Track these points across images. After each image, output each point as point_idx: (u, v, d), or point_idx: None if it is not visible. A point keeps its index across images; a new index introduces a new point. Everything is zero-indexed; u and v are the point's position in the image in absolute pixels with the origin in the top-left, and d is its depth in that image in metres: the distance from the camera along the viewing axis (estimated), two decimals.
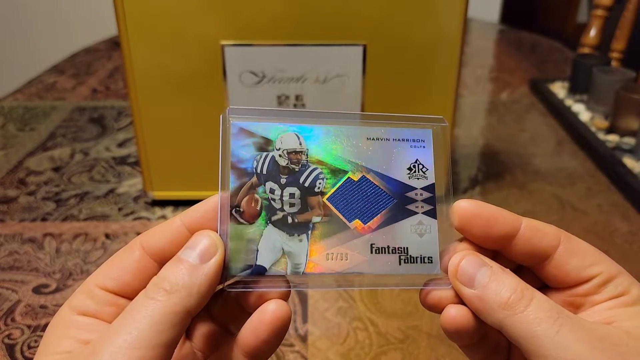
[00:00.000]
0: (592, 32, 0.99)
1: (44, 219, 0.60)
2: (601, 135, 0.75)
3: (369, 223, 0.26)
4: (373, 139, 0.27)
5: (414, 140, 0.27)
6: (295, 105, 0.56)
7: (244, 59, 0.54)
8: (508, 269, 0.24)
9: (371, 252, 0.25)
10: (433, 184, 0.26)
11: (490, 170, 0.71)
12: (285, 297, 0.25)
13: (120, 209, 0.62)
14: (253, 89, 0.55)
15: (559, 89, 0.91)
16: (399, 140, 0.27)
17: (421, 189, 0.26)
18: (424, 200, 0.26)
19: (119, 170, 0.70)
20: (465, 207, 0.25)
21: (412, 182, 0.26)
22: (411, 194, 0.26)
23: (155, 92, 0.55)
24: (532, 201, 0.64)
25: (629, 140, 0.73)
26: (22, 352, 0.43)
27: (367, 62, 0.54)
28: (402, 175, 0.26)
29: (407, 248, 0.26)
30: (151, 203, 0.63)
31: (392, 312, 0.48)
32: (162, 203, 0.62)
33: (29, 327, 0.46)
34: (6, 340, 0.45)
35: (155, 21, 0.52)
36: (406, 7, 0.53)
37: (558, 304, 0.24)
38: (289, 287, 0.25)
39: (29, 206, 0.63)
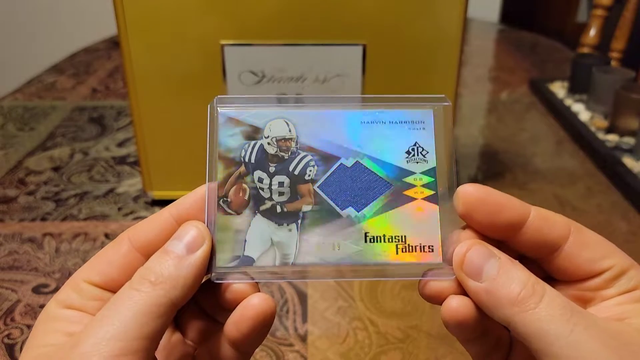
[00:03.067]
0: (592, 32, 0.99)
1: (43, 219, 0.60)
2: (601, 135, 0.75)
3: (363, 211, 0.24)
4: (368, 122, 0.25)
5: (412, 122, 0.25)
6: None
7: (244, 59, 0.54)
8: (517, 261, 0.23)
9: (365, 241, 0.24)
10: (434, 168, 0.25)
11: (490, 170, 0.71)
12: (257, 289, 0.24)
13: (119, 209, 0.62)
14: (253, 88, 0.55)
15: (559, 89, 0.91)
16: (396, 122, 0.25)
17: (421, 173, 0.25)
18: (424, 185, 0.25)
19: (118, 170, 0.70)
20: (470, 193, 0.23)
21: (411, 167, 0.25)
22: (410, 179, 0.25)
23: (154, 91, 0.55)
24: (532, 201, 0.64)
25: (629, 140, 0.73)
26: (21, 352, 0.43)
27: (366, 61, 0.54)
28: (399, 160, 0.25)
29: (404, 236, 0.24)
30: (151, 203, 0.63)
31: (391, 312, 0.48)
32: (162, 203, 0.62)
33: (28, 327, 0.46)
34: (6, 340, 0.45)
35: (155, 21, 0.52)
36: (406, 7, 0.53)
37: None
38: (278, 278, 0.24)
39: (29, 206, 0.62)
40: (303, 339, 0.45)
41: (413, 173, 0.25)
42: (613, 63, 0.94)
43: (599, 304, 0.23)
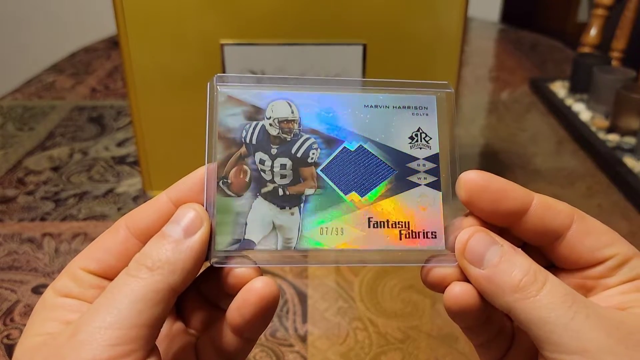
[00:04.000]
0: (593, 32, 0.99)
1: (42, 219, 0.60)
2: (601, 135, 0.75)
3: (366, 195, 0.24)
4: (372, 106, 0.25)
5: (416, 108, 0.25)
6: None
7: (244, 58, 0.54)
8: (520, 249, 0.23)
9: (369, 227, 0.24)
10: (437, 154, 0.25)
11: (490, 170, 0.70)
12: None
13: (119, 209, 0.62)
14: None
15: (560, 89, 0.91)
16: (399, 107, 0.25)
17: (424, 159, 0.25)
18: (427, 172, 0.24)
19: (118, 169, 0.70)
20: (473, 179, 0.23)
21: (414, 152, 0.25)
22: (413, 165, 0.24)
23: (154, 91, 0.55)
24: None
25: (630, 140, 0.72)
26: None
27: (366, 61, 0.54)
28: (403, 145, 0.25)
29: (408, 222, 0.24)
30: None
31: (392, 312, 0.47)
32: None
33: None
34: (5, 341, 0.44)
35: (155, 20, 0.52)
36: (406, 6, 0.53)
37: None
38: (280, 263, 0.24)
39: (28, 206, 0.62)
40: (303, 339, 0.45)
41: (416, 159, 0.25)
42: (614, 63, 0.94)
43: (600, 293, 0.23)
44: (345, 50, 0.54)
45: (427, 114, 0.25)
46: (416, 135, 0.25)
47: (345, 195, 0.24)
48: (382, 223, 0.24)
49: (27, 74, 1.04)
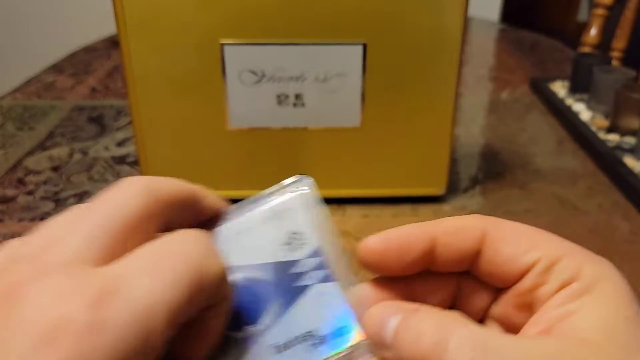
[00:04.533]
0: (593, 31, 0.99)
1: (42, 219, 0.60)
2: (602, 135, 0.75)
3: (261, 323, 0.22)
4: (242, 231, 0.24)
5: (283, 211, 0.24)
6: (295, 105, 0.56)
7: (244, 58, 0.54)
8: (423, 307, 0.20)
9: (277, 353, 0.22)
10: (318, 247, 0.23)
11: (490, 170, 0.70)
12: None
13: None
14: (252, 88, 0.55)
15: (560, 88, 0.91)
16: (266, 220, 0.24)
17: (306, 258, 0.23)
18: (314, 268, 0.23)
19: (118, 169, 0.70)
20: (370, 247, 0.21)
21: (294, 256, 0.23)
22: (296, 269, 0.23)
23: (154, 91, 0.55)
24: (533, 201, 0.64)
25: (630, 140, 0.72)
26: None
27: (367, 60, 0.54)
28: (280, 255, 0.23)
29: (314, 330, 0.22)
30: None
31: None
32: None
33: None
34: None
35: (155, 20, 0.52)
36: (406, 6, 0.52)
37: (510, 309, 0.21)
38: None
39: (28, 206, 0.62)
40: None
41: (298, 261, 0.23)
42: (614, 62, 0.94)
43: (542, 308, 0.20)
44: (345, 50, 0.54)
45: (294, 214, 0.24)
46: (290, 238, 0.23)
47: (239, 332, 0.22)
48: (288, 343, 0.22)
49: (27, 73, 1.03)
